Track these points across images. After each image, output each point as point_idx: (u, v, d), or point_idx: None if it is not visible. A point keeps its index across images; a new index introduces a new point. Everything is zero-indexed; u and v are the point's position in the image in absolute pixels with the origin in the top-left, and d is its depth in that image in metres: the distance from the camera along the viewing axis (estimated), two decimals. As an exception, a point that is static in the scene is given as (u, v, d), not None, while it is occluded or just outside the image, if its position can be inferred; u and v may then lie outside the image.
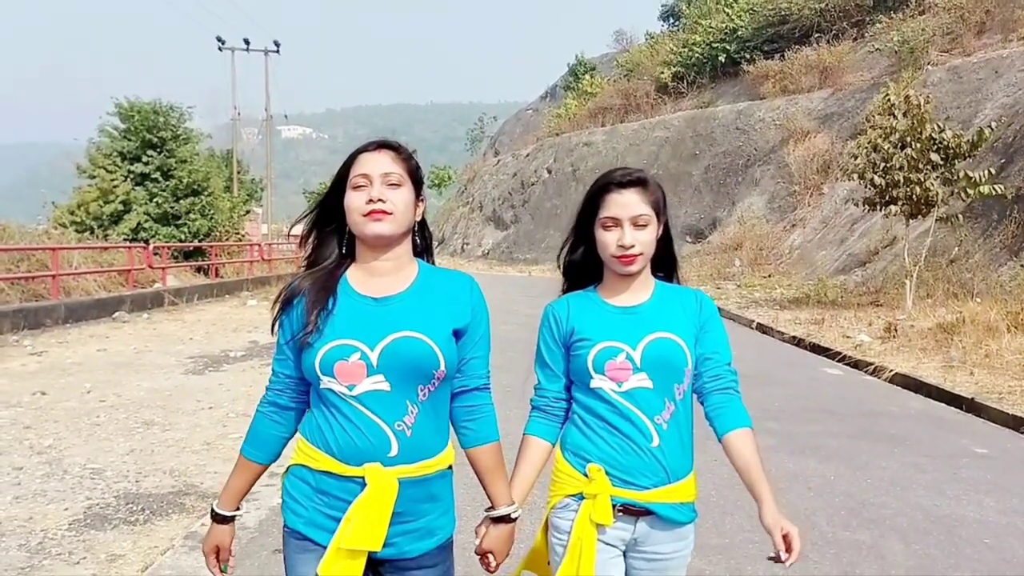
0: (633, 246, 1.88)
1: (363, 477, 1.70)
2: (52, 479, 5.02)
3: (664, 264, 2.06)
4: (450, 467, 1.85)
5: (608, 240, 1.91)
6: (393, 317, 1.76)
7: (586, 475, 1.91)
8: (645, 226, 1.90)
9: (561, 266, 2.11)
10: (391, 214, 1.75)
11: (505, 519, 1.88)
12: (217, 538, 1.88)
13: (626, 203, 1.90)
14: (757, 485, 1.86)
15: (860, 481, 5.33)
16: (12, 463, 5.33)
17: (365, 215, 1.75)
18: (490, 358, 1.91)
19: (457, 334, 1.82)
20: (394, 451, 1.71)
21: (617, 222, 1.89)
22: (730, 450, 1.90)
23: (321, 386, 1.74)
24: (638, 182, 1.92)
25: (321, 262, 1.88)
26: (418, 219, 1.88)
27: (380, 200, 1.74)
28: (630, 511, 1.89)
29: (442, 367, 1.75)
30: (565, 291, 2.11)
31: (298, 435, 1.83)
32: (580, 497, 1.91)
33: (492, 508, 1.89)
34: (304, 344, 1.75)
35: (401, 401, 1.73)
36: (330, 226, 1.88)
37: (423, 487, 1.76)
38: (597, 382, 1.91)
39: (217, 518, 1.87)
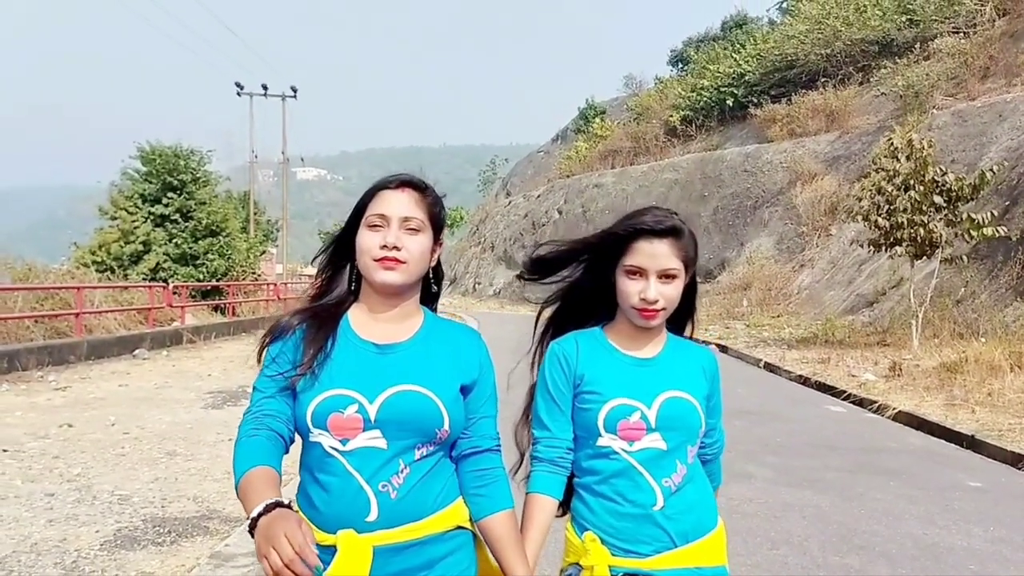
0: (657, 300, 1.74)
1: (334, 545, 1.53)
2: (83, 504, 5.30)
3: (679, 315, 1.91)
4: (459, 528, 1.66)
5: (630, 290, 1.75)
6: (396, 368, 1.62)
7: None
8: (672, 279, 1.75)
9: (531, 259, 1.95)
10: (404, 263, 1.61)
11: None
12: (280, 525, 1.32)
13: (655, 254, 1.74)
14: None
15: (854, 511, 5.53)
16: (44, 490, 5.60)
17: (376, 259, 1.61)
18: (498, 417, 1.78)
19: (464, 391, 1.69)
20: (372, 515, 1.54)
21: (643, 272, 1.74)
22: None
23: (311, 438, 1.59)
24: (672, 232, 1.75)
25: (327, 294, 1.76)
26: (433, 264, 1.74)
27: (395, 247, 1.60)
28: None
29: (446, 426, 1.61)
30: (557, 317, 1.99)
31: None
32: (580, 567, 1.77)
33: None
34: (294, 385, 1.59)
35: (393, 460, 1.57)
36: (343, 261, 1.75)
37: (415, 554, 1.57)
38: (606, 441, 1.77)
39: (267, 509, 1.38)
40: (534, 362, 1.99)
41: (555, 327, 2.00)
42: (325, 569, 1.49)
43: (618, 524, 1.75)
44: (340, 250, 1.75)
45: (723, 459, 2.04)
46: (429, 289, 1.79)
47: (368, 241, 1.63)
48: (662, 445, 1.75)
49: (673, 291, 1.76)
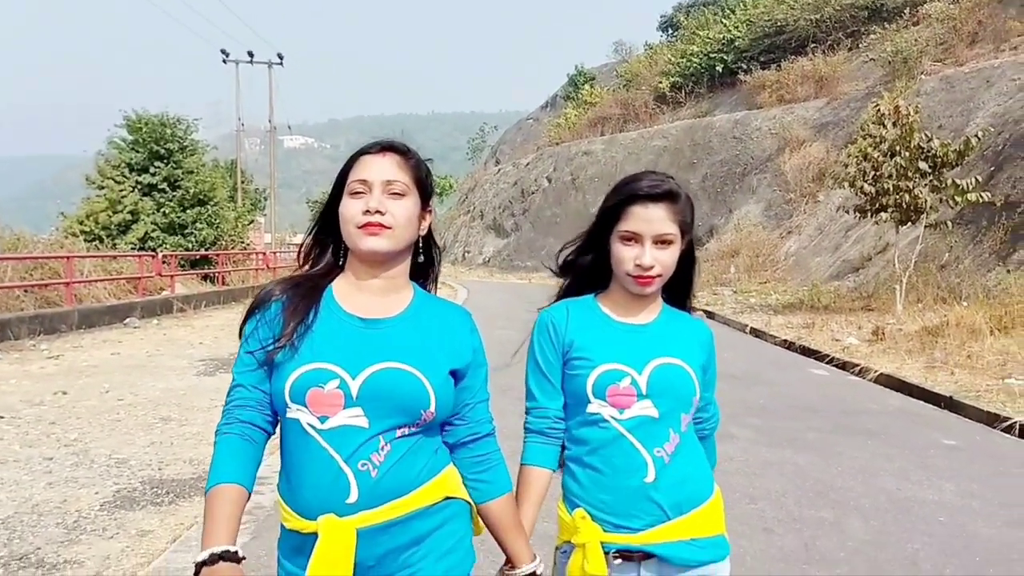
0: (653, 267, 1.70)
1: (316, 532, 1.47)
2: (81, 468, 5.42)
3: (677, 288, 1.87)
4: (447, 499, 1.59)
5: (625, 256, 1.72)
6: (382, 344, 1.54)
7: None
8: (668, 244, 1.72)
9: (559, 264, 1.93)
10: (390, 228, 1.55)
11: None
12: None
13: (650, 219, 1.70)
14: None
15: (831, 468, 5.72)
16: (42, 454, 5.72)
17: (360, 227, 1.54)
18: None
19: (455, 376, 1.62)
20: (352, 497, 1.47)
21: (638, 238, 1.71)
22: None
23: (288, 414, 1.51)
24: (667, 196, 1.72)
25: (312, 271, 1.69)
26: (423, 233, 1.67)
27: (378, 211, 1.54)
28: (628, 556, 1.71)
29: (432, 407, 1.53)
30: (563, 291, 1.94)
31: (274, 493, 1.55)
32: (574, 545, 1.73)
33: (512, 567, 1.67)
34: (272, 358, 1.52)
35: (373, 439, 1.49)
36: (328, 234, 1.68)
37: (401, 532, 1.51)
38: (595, 407, 1.73)
39: (211, 560, 1.38)
40: None
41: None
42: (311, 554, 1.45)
43: (608, 498, 1.72)
44: (326, 225, 1.68)
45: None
46: (422, 264, 1.72)
47: (351, 209, 1.56)
48: (653, 412, 1.71)
49: (669, 257, 1.72)
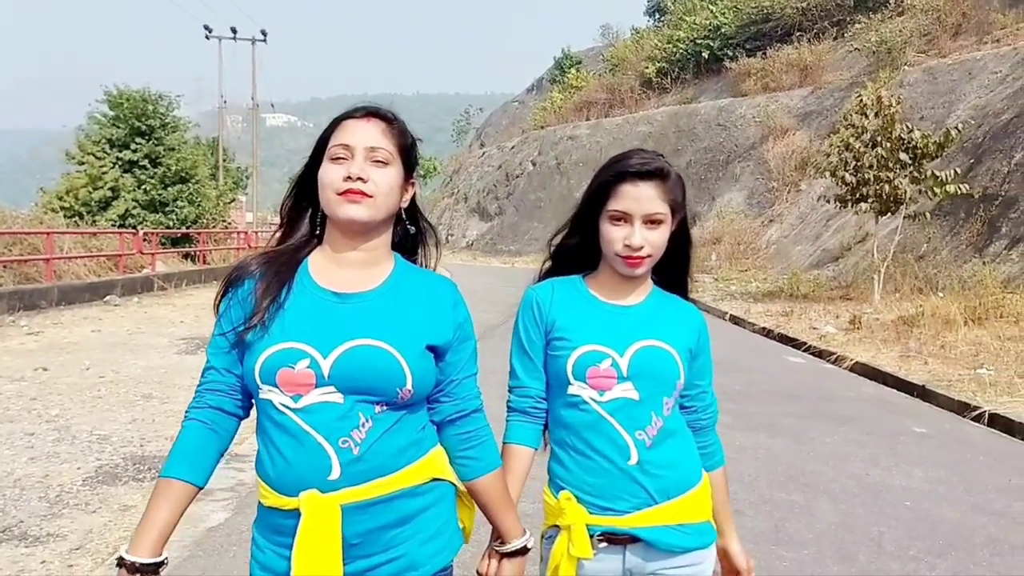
0: (642, 247, 1.67)
1: (298, 509, 1.44)
2: (63, 443, 5.45)
3: (670, 270, 1.83)
4: (434, 480, 1.56)
5: (614, 236, 1.68)
6: (355, 319, 1.49)
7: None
8: (659, 224, 1.68)
9: (551, 252, 1.90)
10: (371, 196, 1.48)
11: (521, 552, 1.65)
12: None
13: (640, 197, 1.66)
14: (727, 520, 1.85)
15: (803, 453, 5.84)
16: (24, 429, 5.74)
17: (340, 193, 1.48)
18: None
19: (436, 352, 1.56)
20: (335, 473, 1.43)
21: (627, 217, 1.67)
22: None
23: (260, 395, 1.47)
24: (657, 174, 1.68)
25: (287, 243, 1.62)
26: (404, 205, 1.61)
27: (360, 179, 1.47)
28: (613, 539, 1.70)
29: (409, 385, 1.47)
30: (545, 273, 1.90)
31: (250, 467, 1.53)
32: (559, 528, 1.71)
33: (503, 542, 1.65)
34: (243, 339, 1.48)
35: (352, 413, 1.45)
36: (308, 204, 1.61)
37: (385, 511, 1.48)
38: (576, 389, 1.71)
39: (134, 568, 1.40)
40: None
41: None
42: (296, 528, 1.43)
43: (593, 480, 1.69)
44: (304, 191, 1.61)
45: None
46: (412, 238, 1.68)
47: (331, 174, 1.49)
48: (634, 395, 1.68)
49: (659, 237, 1.68)
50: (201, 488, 1.50)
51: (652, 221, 1.66)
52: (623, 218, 1.67)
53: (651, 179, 1.67)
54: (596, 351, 1.70)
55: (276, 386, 1.44)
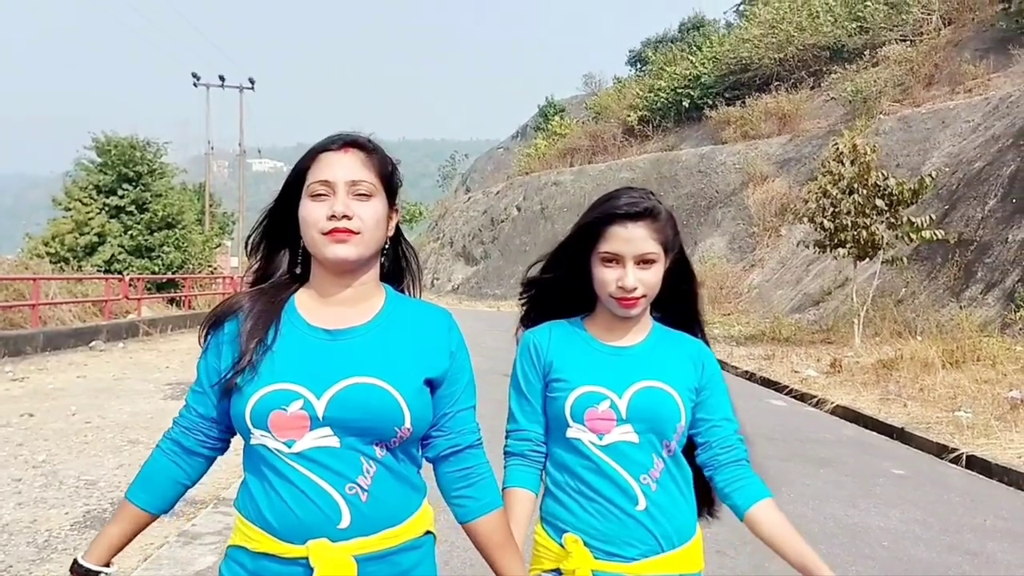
0: (636, 288, 1.65)
1: (307, 558, 1.37)
2: (50, 488, 5.47)
3: (674, 307, 1.82)
4: (428, 533, 1.52)
5: (607, 278, 1.66)
6: (349, 357, 1.43)
7: (563, 547, 1.68)
8: (651, 263, 1.66)
9: (523, 281, 1.89)
10: (358, 234, 1.42)
11: None
12: None
13: (631, 238, 1.65)
14: (807, 555, 1.67)
15: (783, 495, 5.93)
16: (11, 475, 5.76)
17: (325, 233, 1.41)
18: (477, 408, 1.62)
19: (432, 385, 1.50)
20: (345, 521, 1.38)
21: (619, 259, 1.65)
22: (760, 523, 1.70)
23: (252, 441, 1.41)
24: (647, 213, 1.66)
25: (268, 280, 1.56)
26: (391, 234, 1.54)
27: (345, 216, 1.41)
28: None
29: (407, 423, 1.42)
30: (526, 315, 1.89)
31: (235, 510, 1.49)
32: (558, 573, 1.68)
33: None
34: (231, 384, 1.41)
35: (354, 458, 1.40)
36: (280, 240, 1.55)
37: (391, 563, 1.43)
38: (575, 432, 1.68)
39: (80, 571, 1.48)
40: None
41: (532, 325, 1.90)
42: None
43: (600, 525, 1.66)
44: (275, 227, 1.55)
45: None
46: (395, 265, 1.62)
47: (314, 213, 1.42)
48: (633, 438, 1.66)
49: (652, 277, 1.66)
50: (155, 516, 1.54)
51: (645, 261, 1.65)
52: (615, 259, 1.65)
53: (641, 219, 1.65)
54: (594, 392, 1.68)
55: (268, 430, 1.38)
